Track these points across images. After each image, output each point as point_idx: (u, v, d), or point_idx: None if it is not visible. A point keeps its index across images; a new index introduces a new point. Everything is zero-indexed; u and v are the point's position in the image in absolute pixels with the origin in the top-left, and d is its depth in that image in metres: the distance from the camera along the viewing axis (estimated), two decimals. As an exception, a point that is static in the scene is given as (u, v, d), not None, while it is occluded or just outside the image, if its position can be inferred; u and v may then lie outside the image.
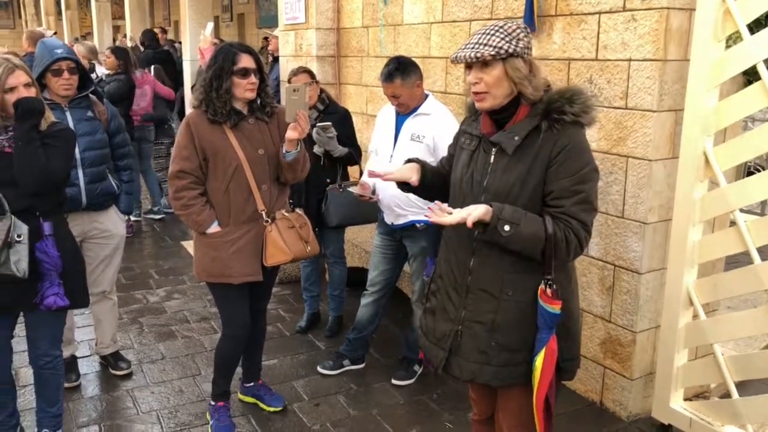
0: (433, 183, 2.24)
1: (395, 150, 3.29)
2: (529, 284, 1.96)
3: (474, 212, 1.83)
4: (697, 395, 3.32)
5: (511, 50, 1.88)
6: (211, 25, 6.60)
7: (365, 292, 3.63)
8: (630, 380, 3.17)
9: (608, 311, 3.24)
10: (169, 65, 8.40)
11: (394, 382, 3.56)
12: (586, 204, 1.93)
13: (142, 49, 9.07)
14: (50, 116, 2.64)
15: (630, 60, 2.97)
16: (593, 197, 1.96)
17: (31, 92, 2.53)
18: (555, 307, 1.91)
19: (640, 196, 3.01)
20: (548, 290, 1.92)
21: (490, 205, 1.86)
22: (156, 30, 10.50)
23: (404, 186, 2.26)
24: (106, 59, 6.38)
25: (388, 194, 3.29)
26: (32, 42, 5.90)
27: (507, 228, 1.84)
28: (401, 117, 3.31)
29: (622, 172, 3.07)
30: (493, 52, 1.87)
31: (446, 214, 1.87)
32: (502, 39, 1.88)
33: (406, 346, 3.66)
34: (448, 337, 2.09)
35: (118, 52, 6.44)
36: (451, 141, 3.07)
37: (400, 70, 3.16)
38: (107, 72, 6.34)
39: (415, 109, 3.25)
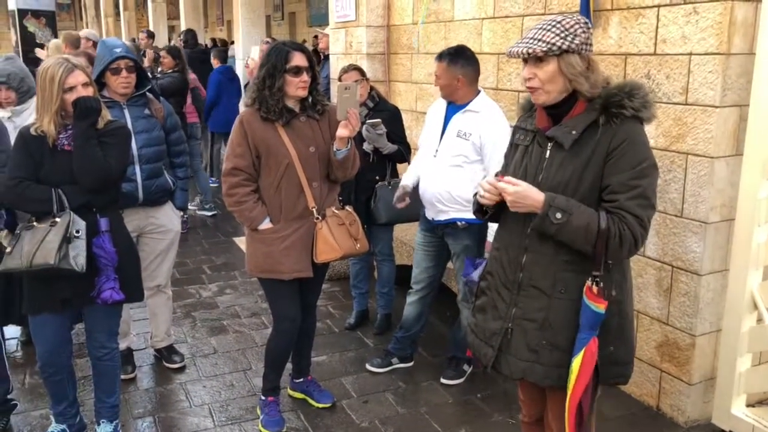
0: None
1: (441, 145, 3.27)
2: (583, 283, 1.91)
3: (532, 193, 1.84)
4: (760, 402, 3.19)
5: (564, 46, 1.84)
6: (256, 49, 6.72)
7: (410, 290, 3.62)
8: (689, 385, 3.07)
9: (665, 313, 3.13)
10: (206, 65, 8.53)
11: (443, 381, 3.54)
12: (643, 199, 1.87)
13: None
14: (107, 115, 2.71)
15: (691, 54, 2.86)
16: (651, 193, 1.89)
17: (89, 91, 2.60)
18: (600, 307, 1.85)
19: (700, 195, 2.90)
20: (595, 288, 1.86)
21: (544, 193, 1.84)
22: (140, 35, 10.75)
23: (481, 213, 2.13)
24: (163, 60, 6.57)
25: (431, 190, 3.27)
26: (70, 45, 6.04)
27: (559, 216, 1.81)
28: (450, 112, 3.28)
29: (682, 169, 2.97)
30: (545, 48, 1.84)
31: (512, 186, 1.87)
32: (557, 35, 1.84)
33: (454, 344, 3.63)
34: (497, 335, 2.06)
35: (173, 51, 6.63)
36: (499, 141, 3.05)
37: (451, 55, 3.19)
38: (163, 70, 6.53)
39: (464, 105, 3.22)
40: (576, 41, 1.85)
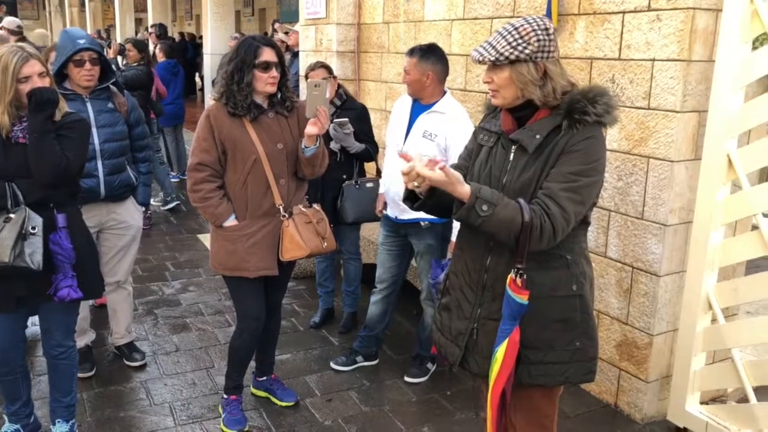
0: (445, 199, 2.00)
1: (405, 145, 3.28)
2: (545, 283, 1.94)
3: (456, 186, 1.78)
4: (713, 399, 3.28)
5: (513, 56, 1.84)
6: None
7: (374, 290, 3.63)
8: (646, 383, 3.14)
9: (625, 313, 3.20)
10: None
11: (407, 379, 3.55)
12: (576, 195, 1.85)
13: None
14: (64, 107, 2.61)
15: (654, 60, 2.93)
16: (587, 194, 1.88)
17: (46, 82, 2.50)
18: (523, 298, 1.87)
19: (660, 198, 2.97)
20: (518, 279, 1.87)
21: (469, 184, 1.82)
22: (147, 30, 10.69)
23: (411, 201, 2.05)
24: (128, 53, 6.47)
25: (394, 189, 3.28)
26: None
27: (485, 208, 1.79)
28: (416, 111, 3.29)
29: (643, 173, 3.04)
30: (492, 58, 1.87)
31: (432, 171, 1.76)
32: (509, 43, 1.85)
33: (418, 343, 3.65)
34: (464, 335, 2.07)
35: (139, 44, 6.53)
36: (464, 142, 3.07)
37: (423, 51, 3.19)
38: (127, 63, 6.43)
39: (430, 105, 3.23)
40: (528, 50, 1.84)
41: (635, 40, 3.00)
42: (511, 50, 1.84)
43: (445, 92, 3.27)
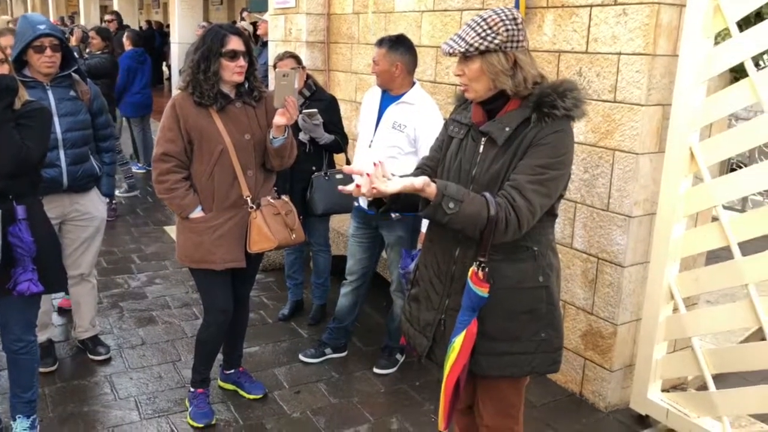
0: (410, 200, 1.98)
1: (375, 136, 3.28)
2: (513, 275, 1.96)
3: (417, 182, 1.75)
4: (674, 387, 3.36)
5: (483, 47, 1.85)
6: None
7: (344, 281, 3.62)
8: (610, 372, 3.20)
9: (590, 303, 3.25)
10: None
11: (375, 370, 3.56)
12: (542, 187, 1.86)
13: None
14: (25, 95, 2.54)
15: (620, 54, 2.96)
16: (553, 187, 1.90)
17: (4, 69, 2.44)
18: (484, 290, 1.88)
19: (625, 190, 3.02)
20: (480, 272, 1.88)
21: (434, 181, 1.81)
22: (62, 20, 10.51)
23: (376, 203, 2.03)
24: (92, 40, 6.32)
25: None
26: None
27: (452, 205, 1.78)
28: (385, 102, 3.29)
29: (609, 165, 3.08)
30: (462, 50, 1.87)
31: (386, 182, 1.74)
32: (478, 34, 1.85)
33: (387, 334, 3.65)
34: (431, 326, 2.08)
35: (102, 32, 6.38)
36: (433, 133, 3.07)
37: (392, 41, 3.19)
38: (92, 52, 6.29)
39: (399, 96, 3.23)
40: (497, 40, 1.85)
41: (602, 33, 3.03)
42: (480, 41, 1.85)
43: (414, 83, 3.27)
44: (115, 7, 12.85)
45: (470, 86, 1.93)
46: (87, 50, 6.49)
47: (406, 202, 1.99)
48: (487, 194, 1.85)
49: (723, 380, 2.95)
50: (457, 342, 1.93)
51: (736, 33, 2.62)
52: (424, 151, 3.15)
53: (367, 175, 1.76)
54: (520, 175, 1.87)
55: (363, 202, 3.39)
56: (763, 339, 2.65)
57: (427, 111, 3.18)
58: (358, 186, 1.79)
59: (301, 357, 3.67)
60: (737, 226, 2.68)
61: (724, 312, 2.82)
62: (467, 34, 1.88)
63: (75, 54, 3.51)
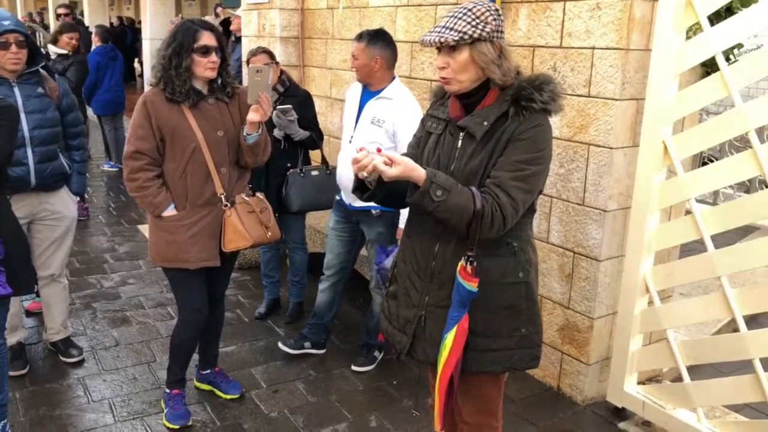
0: (396, 189, 2.02)
1: (356, 131, 3.26)
2: (493, 271, 1.95)
3: (412, 173, 1.80)
4: (650, 379, 3.40)
5: (476, 35, 1.85)
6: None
7: (322, 276, 3.60)
8: (587, 365, 3.22)
9: (567, 298, 3.27)
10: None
11: (354, 368, 3.54)
12: (524, 183, 1.87)
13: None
14: None
15: (594, 48, 2.98)
16: (534, 182, 1.91)
17: None
18: (473, 285, 1.88)
19: (600, 184, 3.04)
20: (469, 267, 1.88)
21: (425, 169, 1.82)
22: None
23: (361, 191, 2.07)
24: (69, 40, 6.11)
25: (346, 176, 3.25)
26: None
27: (439, 193, 1.79)
28: (364, 98, 3.26)
29: (584, 159, 3.10)
30: (456, 37, 1.84)
31: (390, 167, 1.79)
32: (468, 23, 1.85)
33: (366, 332, 3.64)
34: (411, 322, 2.07)
35: (65, 28, 6.24)
36: (411, 128, 3.07)
37: (371, 36, 3.17)
38: (60, 51, 6.09)
39: (378, 91, 3.21)
40: (487, 29, 1.86)
41: (576, 28, 3.04)
42: (473, 29, 1.84)
43: (394, 78, 3.25)
44: (85, 4, 12.62)
45: (455, 78, 1.91)
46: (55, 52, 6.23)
47: (390, 191, 1.99)
48: (474, 188, 1.85)
49: (697, 372, 2.99)
50: (449, 339, 1.91)
51: (707, 27, 2.64)
52: (404, 146, 3.14)
53: (378, 150, 1.82)
54: (502, 171, 1.87)
55: (345, 197, 3.36)
56: (736, 330, 2.68)
57: (405, 106, 3.16)
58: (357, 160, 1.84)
59: (280, 344, 3.65)
60: (710, 219, 2.72)
61: (698, 304, 2.85)
62: (455, 24, 1.86)
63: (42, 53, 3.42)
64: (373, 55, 3.14)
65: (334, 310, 3.65)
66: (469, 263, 1.87)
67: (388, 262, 2.94)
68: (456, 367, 1.94)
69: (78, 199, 3.51)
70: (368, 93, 3.26)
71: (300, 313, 4.16)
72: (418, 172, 1.81)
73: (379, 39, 3.17)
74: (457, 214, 1.82)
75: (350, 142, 3.27)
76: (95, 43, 7.32)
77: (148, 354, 3.65)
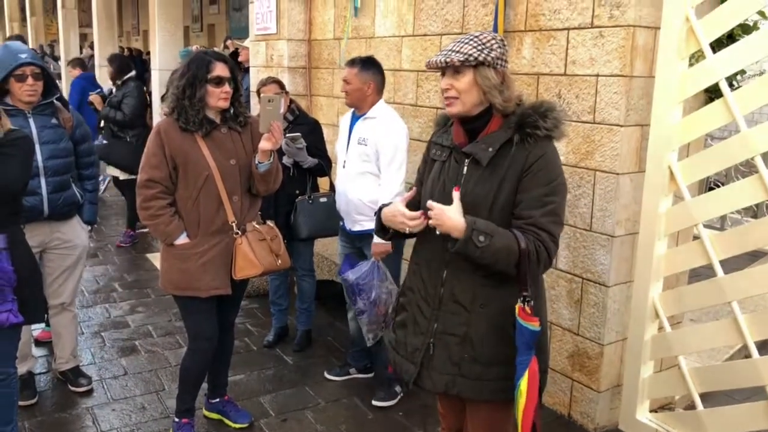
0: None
1: (347, 155, 3.36)
2: (503, 297, 1.95)
3: (452, 216, 1.85)
4: (662, 407, 3.36)
5: (481, 58, 1.90)
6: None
7: (347, 305, 3.59)
8: (597, 392, 3.20)
9: (576, 324, 3.26)
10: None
11: (374, 403, 3.45)
12: (555, 216, 1.93)
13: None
14: (7, 123, 2.51)
15: (598, 75, 3.02)
16: (561, 211, 1.96)
17: None
18: (535, 325, 1.86)
19: (607, 210, 3.06)
20: (527, 307, 1.87)
21: (464, 218, 1.85)
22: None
23: (384, 232, 2.15)
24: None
25: (345, 199, 3.32)
26: None
27: (482, 239, 1.82)
28: (354, 121, 3.39)
29: (590, 185, 3.12)
30: (462, 58, 1.90)
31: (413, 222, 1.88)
32: (474, 47, 1.91)
33: (384, 366, 3.57)
34: (419, 350, 2.06)
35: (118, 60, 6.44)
36: (391, 146, 3.16)
37: (362, 62, 3.31)
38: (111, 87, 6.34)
39: (365, 114, 3.32)
40: (492, 55, 1.91)
41: (580, 56, 3.09)
42: (478, 53, 1.90)
43: (378, 101, 3.37)
44: (95, 35, 12.82)
45: (458, 100, 1.95)
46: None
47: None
48: (514, 230, 1.89)
49: (710, 399, 2.97)
50: (523, 384, 1.87)
51: (710, 55, 2.69)
52: (381, 160, 3.18)
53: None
54: (532, 210, 1.90)
55: (345, 221, 3.41)
56: (748, 356, 2.67)
57: (385, 122, 3.26)
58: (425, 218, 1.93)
59: (325, 373, 3.72)
60: (718, 243, 2.72)
61: (709, 330, 2.84)
62: (462, 47, 1.92)
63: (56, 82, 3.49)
64: (366, 80, 3.27)
65: None
66: (526, 303, 1.87)
67: (350, 276, 3.01)
68: (536, 412, 1.90)
69: (89, 228, 3.54)
70: (356, 117, 3.39)
71: (308, 340, 4.15)
72: (455, 221, 1.84)
73: (371, 65, 3.33)
74: (503, 256, 1.85)
75: (344, 166, 3.33)
76: (73, 75, 7.68)
77: (157, 383, 3.65)
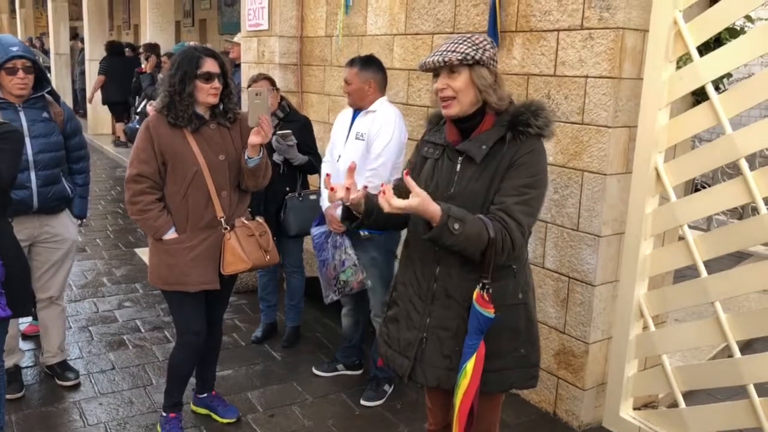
0: (381, 217, 2.00)
1: (344, 149, 3.34)
2: (492, 291, 1.97)
3: (431, 205, 1.80)
4: (645, 405, 3.40)
5: (477, 57, 1.92)
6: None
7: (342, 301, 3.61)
8: (582, 390, 3.23)
9: (562, 322, 3.29)
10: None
11: (363, 402, 3.45)
12: (528, 207, 1.93)
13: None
14: None
15: (587, 77, 3.05)
16: (537, 205, 1.97)
17: None
18: (491, 312, 1.91)
19: (594, 210, 3.09)
20: (485, 294, 1.91)
21: (438, 203, 1.83)
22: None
23: (349, 219, 2.10)
24: (163, 64, 6.33)
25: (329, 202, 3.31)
26: None
27: (457, 226, 1.81)
28: (354, 116, 3.37)
29: (578, 185, 3.15)
30: (459, 57, 1.92)
31: (395, 199, 1.78)
32: (469, 47, 1.94)
33: (373, 363, 3.60)
34: (413, 345, 2.09)
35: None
36: (385, 138, 3.16)
37: (362, 62, 3.29)
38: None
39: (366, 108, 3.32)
40: (486, 55, 1.94)
41: (569, 57, 3.12)
42: (474, 52, 1.92)
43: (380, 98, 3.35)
44: (85, 29, 12.74)
45: (455, 100, 1.96)
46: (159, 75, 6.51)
47: (377, 219, 2.03)
48: (483, 216, 1.89)
49: (693, 397, 3.01)
50: (469, 367, 1.93)
51: (697, 58, 2.72)
52: (372, 149, 3.19)
53: (353, 165, 1.94)
54: (506, 197, 1.92)
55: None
56: (731, 356, 2.71)
57: (383, 117, 3.24)
58: (346, 189, 1.91)
59: (313, 369, 3.73)
60: (703, 244, 2.76)
61: (692, 329, 2.88)
62: (456, 47, 1.94)
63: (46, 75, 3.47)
64: (367, 79, 3.25)
65: (360, 331, 3.69)
66: (485, 290, 1.91)
67: (312, 230, 3.32)
68: (476, 396, 1.96)
69: (79, 222, 3.53)
70: (358, 113, 3.37)
71: (297, 337, 4.16)
72: (434, 206, 1.81)
73: (371, 64, 3.30)
74: (473, 243, 1.85)
75: (338, 160, 3.33)
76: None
77: (145, 377, 3.65)
